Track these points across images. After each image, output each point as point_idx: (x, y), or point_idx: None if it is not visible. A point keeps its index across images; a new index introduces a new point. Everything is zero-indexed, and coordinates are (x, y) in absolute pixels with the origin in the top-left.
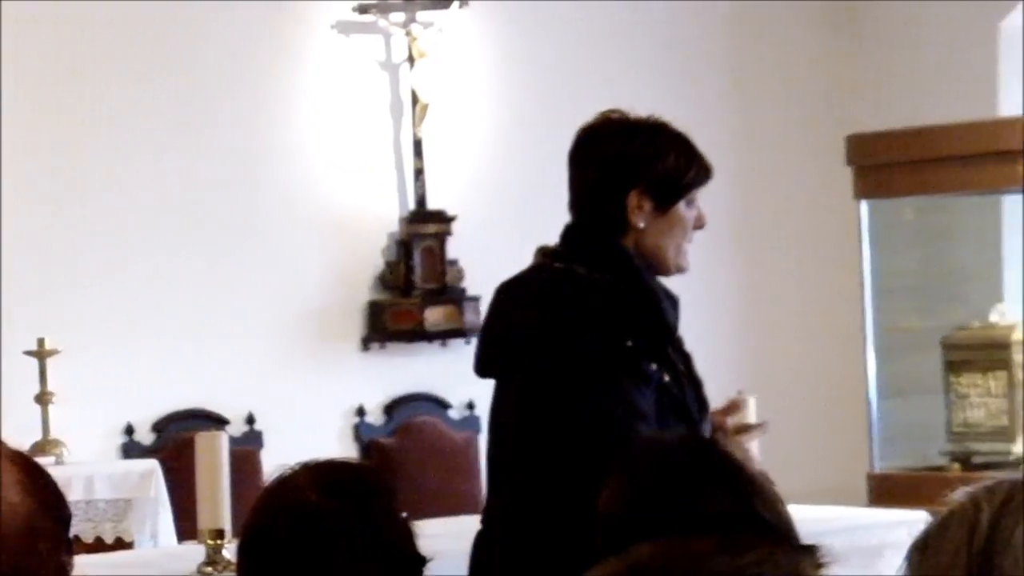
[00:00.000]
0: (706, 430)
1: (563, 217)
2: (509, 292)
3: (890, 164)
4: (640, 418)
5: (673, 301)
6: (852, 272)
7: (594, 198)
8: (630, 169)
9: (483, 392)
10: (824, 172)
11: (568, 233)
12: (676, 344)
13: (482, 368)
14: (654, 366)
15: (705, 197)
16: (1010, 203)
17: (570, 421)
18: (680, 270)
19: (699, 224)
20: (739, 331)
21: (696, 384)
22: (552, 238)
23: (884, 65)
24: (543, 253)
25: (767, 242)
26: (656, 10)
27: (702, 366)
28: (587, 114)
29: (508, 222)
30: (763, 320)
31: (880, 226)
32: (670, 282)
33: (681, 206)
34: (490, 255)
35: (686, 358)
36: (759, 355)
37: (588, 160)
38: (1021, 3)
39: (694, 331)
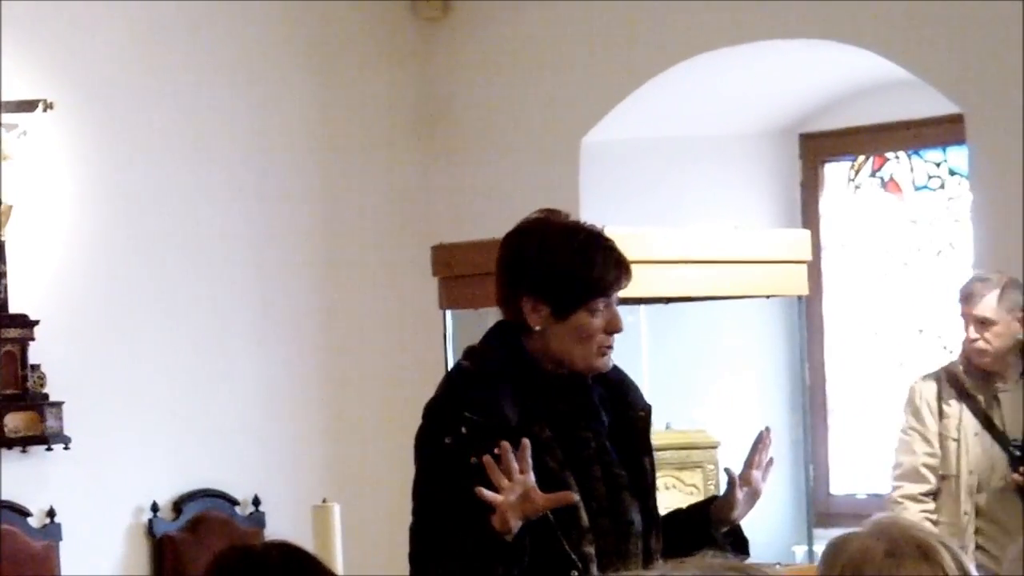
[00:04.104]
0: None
1: (149, 321)
2: None
3: (474, 275)
4: (455, 519)
5: (568, 392)
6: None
7: (500, 298)
8: (521, 274)
9: (64, 500)
10: (412, 282)
11: (490, 329)
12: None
13: None
14: (474, 460)
15: (294, 307)
16: None
17: (414, 519)
18: (595, 370)
19: (611, 329)
20: (322, 435)
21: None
22: (138, 343)
23: (471, 176)
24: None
25: (353, 350)
26: (241, 115)
27: (285, 470)
28: (170, 219)
29: (93, 327)
30: (346, 425)
31: (465, 336)
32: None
33: (582, 314)
34: (74, 360)
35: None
36: (342, 459)
37: (499, 259)
38: (603, 119)
39: (278, 434)
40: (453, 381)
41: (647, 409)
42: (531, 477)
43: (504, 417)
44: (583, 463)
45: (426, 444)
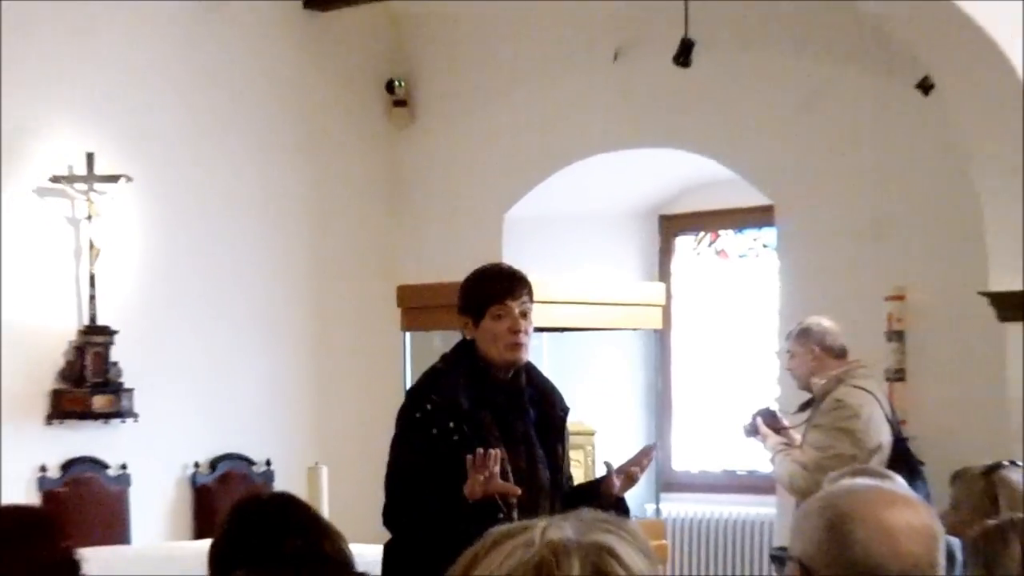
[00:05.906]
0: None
1: (194, 332)
2: None
3: (427, 307)
4: (418, 470)
5: (506, 390)
6: (399, 386)
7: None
8: (460, 300)
9: (133, 459)
10: (381, 311)
11: (456, 343)
12: (479, 417)
13: None
14: (435, 431)
15: (294, 325)
16: None
17: (388, 470)
18: (509, 361)
19: (511, 328)
20: (315, 417)
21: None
22: (186, 348)
23: (425, 236)
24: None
25: (337, 359)
26: (255, 189)
27: (289, 441)
28: (206, 261)
29: (155, 336)
30: (332, 410)
31: (419, 351)
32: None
33: (487, 320)
34: (141, 359)
35: (477, 427)
36: (329, 435)
37: None
38: (521, 200)
39: (283, 415)
40: (427, 375)
41: (566, 410)
42: (497, 469)
43: (458, 401)
44: (513, 442)
45: (402, 417)
